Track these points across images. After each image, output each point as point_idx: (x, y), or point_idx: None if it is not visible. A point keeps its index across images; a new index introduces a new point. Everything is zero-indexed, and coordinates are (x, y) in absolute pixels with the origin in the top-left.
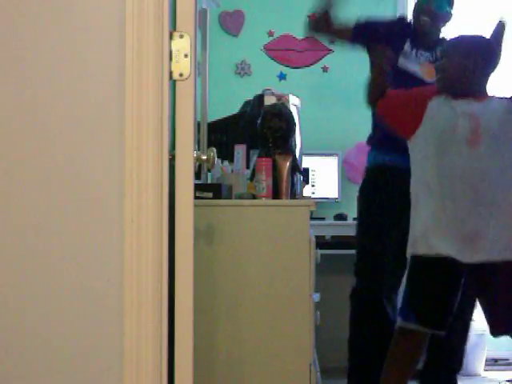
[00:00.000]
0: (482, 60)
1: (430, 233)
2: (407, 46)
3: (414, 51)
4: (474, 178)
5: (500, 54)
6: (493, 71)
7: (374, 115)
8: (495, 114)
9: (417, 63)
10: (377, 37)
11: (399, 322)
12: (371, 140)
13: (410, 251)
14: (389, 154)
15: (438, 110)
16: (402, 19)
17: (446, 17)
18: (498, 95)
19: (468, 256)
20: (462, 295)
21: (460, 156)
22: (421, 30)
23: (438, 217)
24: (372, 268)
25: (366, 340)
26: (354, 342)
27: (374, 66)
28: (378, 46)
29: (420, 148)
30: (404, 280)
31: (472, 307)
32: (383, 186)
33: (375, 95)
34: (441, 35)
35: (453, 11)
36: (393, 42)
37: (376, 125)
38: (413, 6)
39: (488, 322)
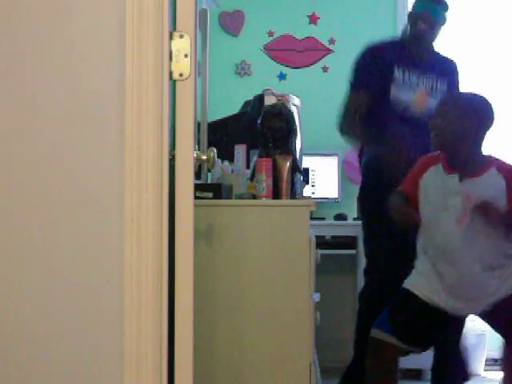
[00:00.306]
0: (478, 120)
1: (425, 285)
2: (398, 72)
3: (406, 75)
4: (460, 251)
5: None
6: (488, 129)
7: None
8: (488, 192)
9: (411, 90)
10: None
11: (374, 333)
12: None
13: (406, 285)
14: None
15: (433, 184)
16: (388, 43)
17: (442, 21)
18: (497, 165)
19: (465, 309)
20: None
21: (448, 231)
22: (418, 37)
23: (432, 273)
24: (384, 265)
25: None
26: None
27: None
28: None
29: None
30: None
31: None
32: (383, 179)
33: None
34: (435, 43)
35: (447, 14)
36: (383, 75)
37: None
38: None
39: None
